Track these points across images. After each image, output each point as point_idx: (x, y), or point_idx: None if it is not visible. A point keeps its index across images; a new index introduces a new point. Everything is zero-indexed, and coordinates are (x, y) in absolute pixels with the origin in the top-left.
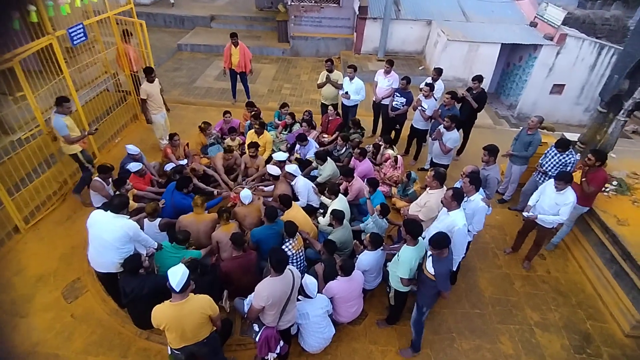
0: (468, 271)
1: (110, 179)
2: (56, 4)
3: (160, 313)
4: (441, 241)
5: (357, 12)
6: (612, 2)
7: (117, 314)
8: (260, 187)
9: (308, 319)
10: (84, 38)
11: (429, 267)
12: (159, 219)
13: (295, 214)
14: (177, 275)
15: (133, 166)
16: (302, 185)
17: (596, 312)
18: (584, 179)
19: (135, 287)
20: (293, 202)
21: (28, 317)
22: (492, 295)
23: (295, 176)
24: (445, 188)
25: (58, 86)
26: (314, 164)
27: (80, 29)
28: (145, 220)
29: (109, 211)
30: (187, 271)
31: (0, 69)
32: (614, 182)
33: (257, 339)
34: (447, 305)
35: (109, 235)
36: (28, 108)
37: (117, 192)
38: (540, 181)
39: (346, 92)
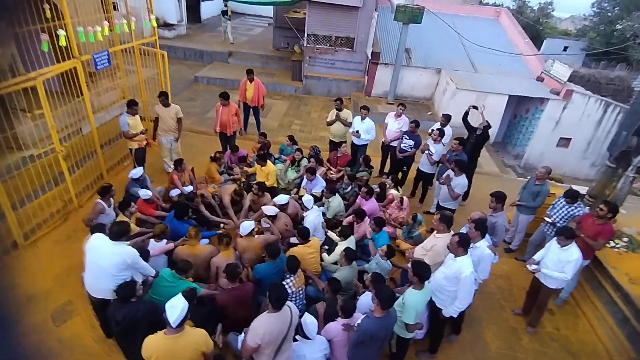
0: (473, 322)
1: (111, 199)
2: (86, 30)
3: (152, 345)
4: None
5: (370, 57)
6: (616, 63)
7: (104, 342)
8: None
9: None
10: (107, 64)
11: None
12: (165, 241)
13: (303, 251)
14: (177, 310)
15: (144, 194)
16: (312, 220)
17: None
18: (582, 235)
19: (127, 315)
20: (313, 237)
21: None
22: (499, 350)
23: (309, 208)
24: (452, 232)
25: (76, 107)
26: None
27: (105, 55)
28: (152, 240)
29: (107, 237)
30: (187, 306)
31: (23, 87)
32: (625, 239)
33: None
34: (451, 357)
35: (106, 262)
36: (44, 126)
37: (120, 217)
38: (548, 232)
39: (357, 131)
